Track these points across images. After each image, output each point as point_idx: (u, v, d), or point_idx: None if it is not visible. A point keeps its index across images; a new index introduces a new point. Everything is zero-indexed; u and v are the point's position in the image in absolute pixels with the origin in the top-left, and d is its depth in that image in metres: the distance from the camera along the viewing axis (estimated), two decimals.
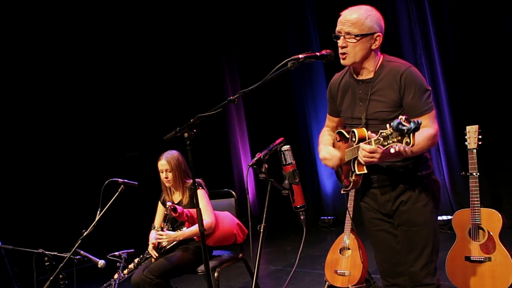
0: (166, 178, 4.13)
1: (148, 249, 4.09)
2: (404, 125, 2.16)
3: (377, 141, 2.34)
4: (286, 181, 2.57)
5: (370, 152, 2.42)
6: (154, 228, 4.22)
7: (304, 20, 7.53)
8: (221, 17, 8.41)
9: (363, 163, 2.50)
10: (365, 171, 2.58)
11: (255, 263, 2.45)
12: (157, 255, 4.01)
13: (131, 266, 4.05)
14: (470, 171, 3.84)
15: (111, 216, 4.06)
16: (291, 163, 2.61)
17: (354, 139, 2.55)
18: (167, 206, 3.86)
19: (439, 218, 6.09)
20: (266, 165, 2.50)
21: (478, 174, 3.81)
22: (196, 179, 4.06)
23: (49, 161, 7.58)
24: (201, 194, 4.03)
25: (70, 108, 7.88)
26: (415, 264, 2.82)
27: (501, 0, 5.65)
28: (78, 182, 7.56)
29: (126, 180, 3.93)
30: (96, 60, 8.10)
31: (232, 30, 8.42)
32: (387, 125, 2.27)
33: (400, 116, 2.20)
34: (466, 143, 3.89)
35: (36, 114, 7.54)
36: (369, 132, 2.52)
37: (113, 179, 3.90)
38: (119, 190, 3.88)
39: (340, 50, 2.72)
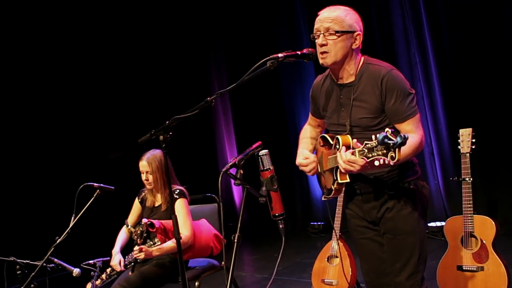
0: (147, 180, 3.94)
1: (111, 264, 3.87)
2: (390, 139, 2.06)
3: (362, 152, 2.23)
4: (264, 188, 2.42)
5: (350, 161, 2.31)
6: (128, 226, 4.03)
7: (294, 18, 7.42)
8: (209, 14, 8.31)
9: (343, 170, 2.38)
10: (348, 180, 2.46)
11: (228, 275, 2.29)
12: (121, 269, 3.81)
13: (103, 276, 3.86)
14: (463, 176, 3.76)
15: (87, 222, 3.92)
16: (269, 168, 2.46)
17: (338, 146, 2.42)
18: (142, 223, 3.66)
19: (433, 224, 6.02)
20: (242, 171, 2.35)
21: (471, 179, 3.71)
22: (179, 187, 3.97)
23: (20, 162, 7.22)
24: (182, 204, 3.85)
25: (45, 106, 7.49)
26: (400, 274, 2.72)
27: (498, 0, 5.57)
28: (53, 186, 7.21)
29: (102, 185, 3.80)
30: (76, 55, 7.75)
31: (220, 29, 8.33)
32: (373, 136, 2.17)
33: (387, 129, 2.10)
34: (459, 147, 3.78)
35: (6, 113, 7.17)
36: (354, 141, 2.40)
37: (88, 183, 3.77)
38: (94, 195, 3.76)
39: (320, 49, 2.60)
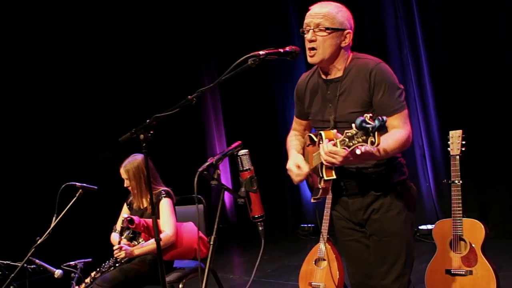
0: (128, 186, 3.96)
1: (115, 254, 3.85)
2: (368, 123, 1.99)
3: (343, 142, 2.17)
4: (243, 189, 2.36)
5: (331, 152, 2.24)
6: (116, 230, 3.99)
7: (287, 17, 7.38)
8: (202, 14, 8.25)
9: (325, 163, 2.31)
10: (334, 177, 2.38)
11: (203, 279, 2.21)
12: (122, 256, 3.76)
13: (87, 280, 3.79)
14: (452, 179, 3.70)
15: (69, 223, 3.86)
16: (249, 169, 2.40)
17: (321, 142, 2.35)
18: (122, 219, 3.62)
19: (424, 227, 5.96)
20: (219, 171, 2.28)
21: (460, 182, 3.66)
22: (165, 188, 3.94)
23: (0, 161, 7.03)
24: (166, 204, 3.84)
25: (25, 103, 7.26)
26: (386, 277, 2.65)
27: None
28: (35, 185, 6.98)
29: (84, 184, 3.80)
30: (60, 53, 7.55)
31: (212, 28, 8.28)
32: (353, 125, 2.09)
33: (365, 114, 2.04)
34: (449, 149, 3.73)
35: None
36: (335, 131, 2.35)
37: (71, 183, 3.74)
38: (77, 195, 3.76)
39: (309, 45, 2.54)
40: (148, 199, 3.93)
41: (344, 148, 2.16)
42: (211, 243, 2.25)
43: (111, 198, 4.76)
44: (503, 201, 5.62)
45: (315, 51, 2.53)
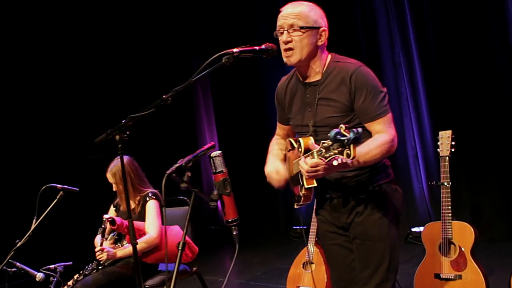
0: (117, 190, 3.91)
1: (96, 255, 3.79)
2: (343, 135, 1.94)
3: (319, 152, 2.11)
4: (215, 192, 2.28)
5: (312, 167, 2.20)
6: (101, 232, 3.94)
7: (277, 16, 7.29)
8: (192, 16, 8.22)
9: (306, 177, 2.27)
10: (315, 185, 2.34)
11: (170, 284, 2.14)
12: (104, 258, 3.69)
13: (70, 283, 3.71)
14: (441, 181, 3.62)
15: (53, 225, 3.80)
16: (222, 171, 2.33)
17: (300, 149, 2.30)
18: (104, 219, 3.56)
19: (416, 229, 5.87)
20: (189, 173, 2.20)
21: (450, 183, 3.57)
22: (152, 190, 3.90)
23: None
24: (152, 206, 3.81)
25: (18, 102, 7.16)
26: (369, 282, 2.58)
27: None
28: (14, 187, 6.82)
29: (65, 186, 3.74)
30: (52, 49, 7.45)
31: (203, 28, 8.24)
32: (328, 134, 2.03)
33: (340, 125, 1.98)
34: (438, 149, 3.65)
35: None
36: (311, 142, 2.30)
37: (51, 184, 3.69)
38: (58, 197, 3.69)
39: (284, 47, 2.48)
40: (136, 201, 3.89)
41: (321, 159, 2.11)
42: (179, 248, 2.17)
43: (98, 200, 4.70)
44: (496, 203, 5.52)
45: (292, 51, 2.46)
